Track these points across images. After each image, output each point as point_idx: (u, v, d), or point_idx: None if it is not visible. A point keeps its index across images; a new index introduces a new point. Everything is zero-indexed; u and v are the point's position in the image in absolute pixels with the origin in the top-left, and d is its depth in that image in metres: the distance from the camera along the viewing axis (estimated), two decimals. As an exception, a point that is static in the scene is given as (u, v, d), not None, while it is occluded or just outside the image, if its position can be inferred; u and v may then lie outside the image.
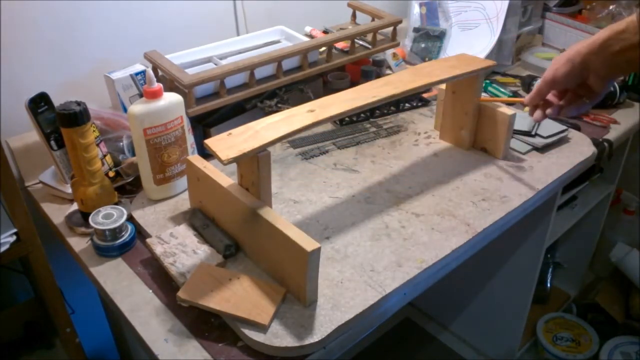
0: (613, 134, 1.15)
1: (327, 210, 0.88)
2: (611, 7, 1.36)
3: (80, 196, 0.84)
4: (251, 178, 0.75)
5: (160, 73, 1.03)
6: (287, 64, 1.09)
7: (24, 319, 1.09)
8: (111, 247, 0.80)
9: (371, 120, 1.14)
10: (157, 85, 0.83)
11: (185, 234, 0.81)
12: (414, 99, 1.20)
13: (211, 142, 0.72)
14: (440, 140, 1.07)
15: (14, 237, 0.83)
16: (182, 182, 0.91)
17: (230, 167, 0.75)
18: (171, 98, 0.85)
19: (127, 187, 0.95)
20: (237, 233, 0.79)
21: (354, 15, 1.36)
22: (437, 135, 1.08)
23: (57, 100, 0.83)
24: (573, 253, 1.70)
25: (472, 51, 1.24)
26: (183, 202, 0.90)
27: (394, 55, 1.34)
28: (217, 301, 0.69)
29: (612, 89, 1.21)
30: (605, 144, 1.11)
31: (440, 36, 1.36)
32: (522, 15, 1.36)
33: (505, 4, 1.29)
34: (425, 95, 1.22)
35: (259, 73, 1.05)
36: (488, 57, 1.29)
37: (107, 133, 0.94)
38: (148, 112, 0.82)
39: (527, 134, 1.05)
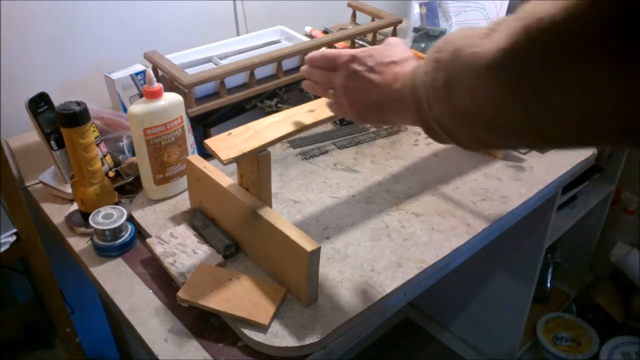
0: (613, 134, 1.14)
1: (327, 210, 0.88)
2: (611, 7, 1.36)
3: (80, 196, 0.84)
4: (251, 178, 0.75)
5: (160, 73, 1.03)
6: (287, 64, 1.09)
7: (24, 319, 1.09)
8: (111, 247, 0.80)
9: (371, 120, 1.14)
10: (157, 85, 0.83)
11: (185, 234, 0.81)
12: (414, 99, 1.20)
13: (211, 142, 0.72)
14: (440, 140, 1.07)
15: (14, 237, 0.83)
16: (182, 182, 0.91)
17: (230, 167, 0.75)
18: (171, 98, 0.85)
19: (127, 187, 0.95)
20: (237, 233, 0.79)
21: (354, 15, 1.36)
22: (437, 135, 1.08)
23: (57, 100, 0.83)
24: (573, 253, 1.70)
25: (472, 51, 1.24)
26: (183, 202, 0.90)
27: (394, 55, 1.33)
28: (217, 301, 0.69)
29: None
30: (605, 144, 1.11)
31: (440, 36, 1.36)
32: (522, 15, 1.36)
33: (505, 4, 1.29)
34: (425, 95, 1.22)
35: (259, 73, 1.05)
36: (488, 57, 1.28)
37: (107, 133, 0.94)
38: (148, 112, 0.82)
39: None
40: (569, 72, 0.37)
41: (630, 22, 0.32)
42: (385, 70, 0.60)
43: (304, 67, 0.70)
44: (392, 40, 0.65)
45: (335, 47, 1.20)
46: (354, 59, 0.62)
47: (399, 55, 0.61)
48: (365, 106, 0.62)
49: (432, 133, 0.53)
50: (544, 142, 0.45)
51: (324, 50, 0.67)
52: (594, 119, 0.38)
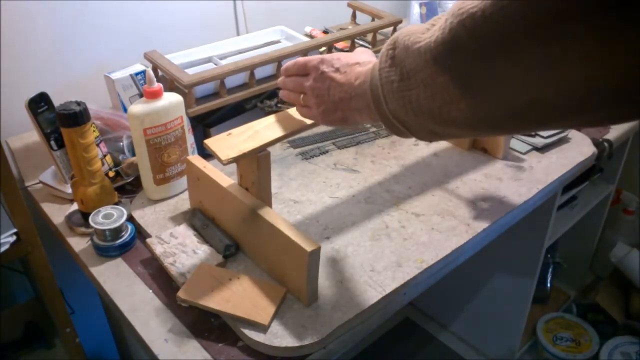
0: (613, 133, 1.15)
1: (327, 210, 0.88)
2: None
3: (80, 196, 0.84)
4: (251, 178, 0.75)
5: (160, 73, 1.03)
6: (287, 64, 1.09)
7: (24, 319, 1.09)
8: (111, 247, 0.80)
9: (371, 120, 1.14)
10: (157, 85, 0.83)
11: (185, 234, 0.81)
12: (414, 99, 1.20)
13: (211, 142, 0.72)
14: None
15: (14, 237, 0.83)
16: (182, 182, 0.91)
17: (230, 167, 0.75)
18: (171, 98, 0.85)
19: (127, 187, 0.95)
20: (237, 233, 0.79)
21: (354, 15, 1.36)
22: (437, 135, 1.08)
23: (57, 100, 0.83)
24: (573, 253, 1.70)
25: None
26: (183, 202, 0.90)
27: (394, 55, 1.33)
28: (217, 301, 0.69)
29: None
30: (605, 144, 1.11)
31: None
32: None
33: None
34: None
35: (259, 73, 1.05)
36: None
37: (107, 133, 0.94)
38: (148, 112, 0.82)
39: (527, 133, 1.05)
40: (503, 62, 0.40)
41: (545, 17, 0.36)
42: (349, 70, 0.64)
43: (280, 79, 0.75)
44: (360, 49, 0.70)
45: (336, 47, 1.20)
46: (322, 61, 0.67)
47: (363, 59, 0.65)
48: (330, 105, 0.66)
49: (391, 126, 0.57)
50: (487, 130, 0.49)
51: (296, 59, 0.72)
52: (534, 106, 0.41)
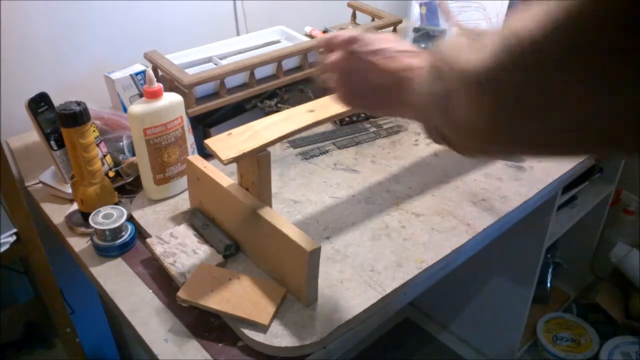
0: (613, 134, 1.14)
1: (327, 210, 0.88)
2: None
3: (80, 196, 0.84)
4: (251, 178, 0.75)
5: (160, 73, 1.03)
6: (287, 64, 1.09)
7: (24, 319, 1.09)
8: (111, 247, 0.80)
9: (371, 120, 1.14)
10: (157, 85, 0.83)
11: (185, 234, 0.81)
12: (414, 99, 1.20)
13: (211, 142, 0.72)
14: (440, 140, 1.07)
15: (14, 237, 0.83)
16: (182, 182, 0.91)
17: (230, 167, 0.75)
18: (171, 98, 0.85)
19: (127, 187, 0.95)
20: (237, 233, 0.79)
21: (354, 15, 1.36)
22: (437, 135, 1.08)
23: (57, 100, 0.83)
24: (573, 253, 1.70)
25: (472, 51, 1.24)
26: (183, 202, 0.90)
27: (394, 55, 1.33)
28: (217, 301, 0.69)
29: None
30: (605, 144, 1.11)
31: (441, 36, 1.36)
32: (522, 15, 1.36)
33: (505, 4, 1.29)
34: (425, 95, 1.21)
35: (259, 73, 1.05)
36: (488, 57, 1.28)
37: (107, 133, 0.94)
38: (148, 112, 0.82)
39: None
40: (551, 87, 0.38)
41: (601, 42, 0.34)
42: (396, 57, 0.60)
43: (320, 52, 0.67)
44: (389, 35, 0.65)
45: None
46: (359, 41, 0.62)
47: (406, 47, 0.61)
48: (366, 90, 0.62)
49: (432, 136, 0.55)
50: (530, 153, 0.48)
51: (334, 33, 0.65)
52: (584, 131, 0.40)
